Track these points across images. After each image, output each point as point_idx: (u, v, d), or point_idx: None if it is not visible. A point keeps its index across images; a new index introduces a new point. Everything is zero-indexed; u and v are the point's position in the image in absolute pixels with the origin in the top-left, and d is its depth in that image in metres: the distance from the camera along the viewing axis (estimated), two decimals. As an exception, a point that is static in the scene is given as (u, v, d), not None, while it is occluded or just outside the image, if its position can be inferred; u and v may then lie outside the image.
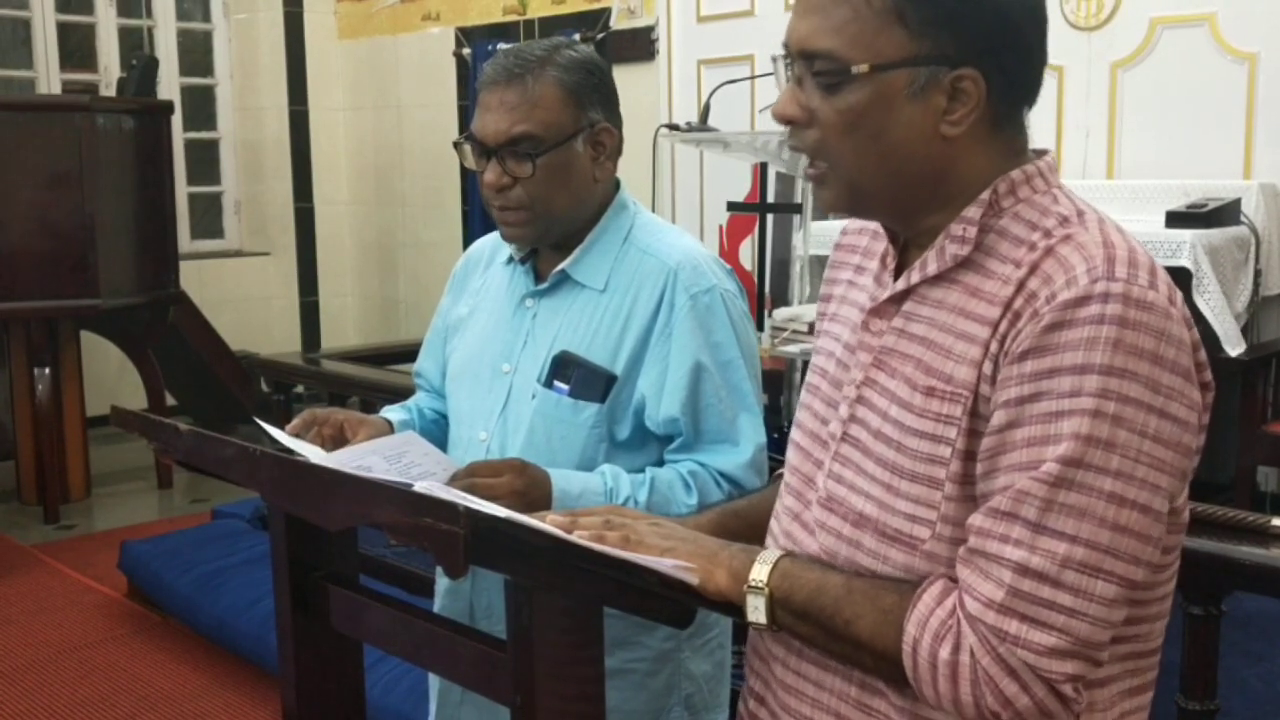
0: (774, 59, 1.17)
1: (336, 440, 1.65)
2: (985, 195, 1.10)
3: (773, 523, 1.27)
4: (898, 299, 1.15)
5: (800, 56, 1.10)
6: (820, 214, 4.11)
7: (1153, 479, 1.00)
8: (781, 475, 1.42)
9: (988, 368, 1.05)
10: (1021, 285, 1.04)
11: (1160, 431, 1.00)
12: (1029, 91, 1.11)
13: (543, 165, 1.61)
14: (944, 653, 1.02)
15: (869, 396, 1.15)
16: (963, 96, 1.07)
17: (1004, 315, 1.05)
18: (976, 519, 1.03)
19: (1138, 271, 1.01)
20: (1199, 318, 3.42)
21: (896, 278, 1.17)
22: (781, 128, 1.14)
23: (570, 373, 1.66)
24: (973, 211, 1.10)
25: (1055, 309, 1.00)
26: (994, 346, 1.05)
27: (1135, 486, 1.00)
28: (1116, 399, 0.98)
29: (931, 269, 1.12)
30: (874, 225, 1.26)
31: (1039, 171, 1.11)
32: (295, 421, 1.66)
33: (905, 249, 1.18)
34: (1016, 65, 1.09)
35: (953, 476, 1.06)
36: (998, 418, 1.03)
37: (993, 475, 1.03)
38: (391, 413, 1.86)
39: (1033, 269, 1.05)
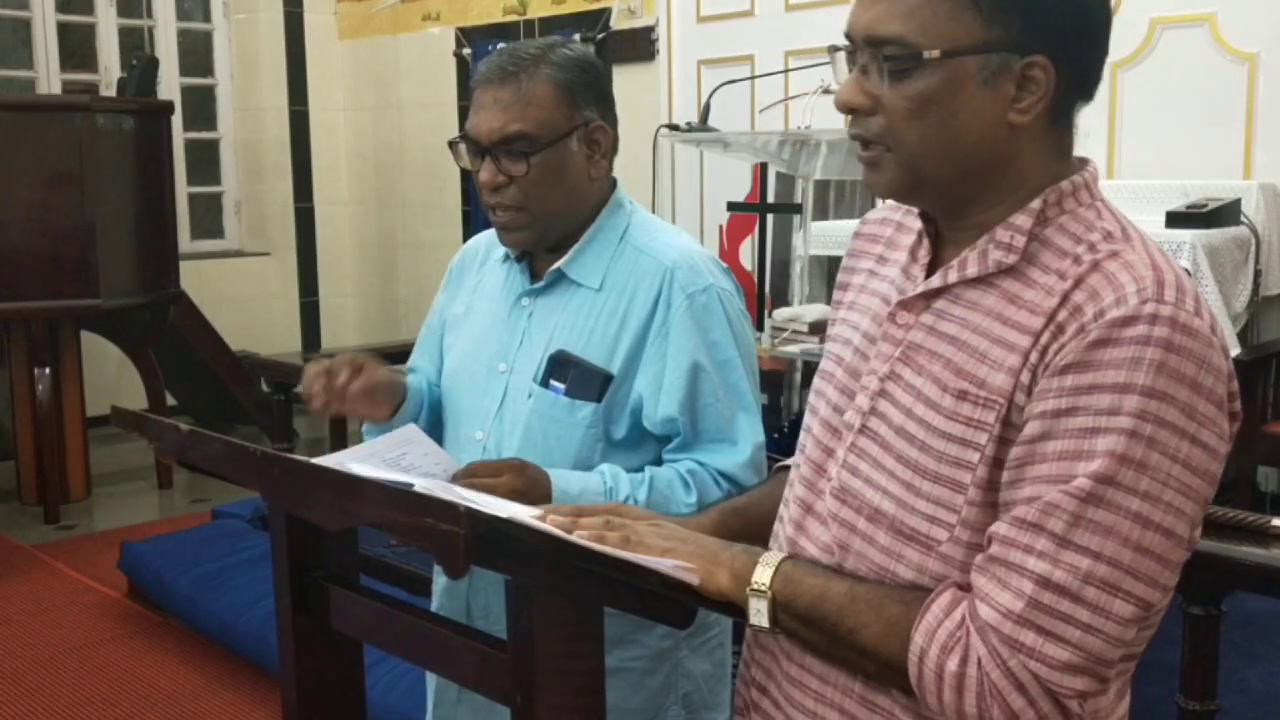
0: (832, 50, 1.16)
1: (354, 380, 1.65)
2: (1035, 204, 1.09)
3: (782, 509, 1.27)
4: (930, 295, 1.14)
5: (867, 44, 1.09)
6: (820, 214, 4.11)
7: (1179, 504, 1.00)
8: (780, 469, 1.41)
9: (1025, 377, 1.04)
10: (1066, 298, 1.04)
11: (1191, 458, 1.00)
12: (1091, 84, 1.11)
13: (537, 164, 1.61)
14: (951, 664, 1.02)
15: (892, 391, 1.14)
16: (1031, 85, 1.06)
17: (1047, 326, 1.04)
18: (1000, 528, 1.03)
19: (1185, 297, 1.02)
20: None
21: (929, 273, 1.16)
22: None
23: (567, 372, 1.66)
24: (1022, 220, 1.09)
25: (1103, 326, 1.00)
26: (1034, 357, 1.04)
27: (1161, 510, 1.00)
28: (1154, 421, 0.98)
29: (971, 271, 1.11)
30: (898, 216, 1.25)
31: (1085, 183, 1.11)
32: (308, 381, 1.65)
33: (938, 241, 1.17)
34: (1084, 55, 1.08)
35: (978, 482, 1.06)
36: (1031, 428, 1.03)
37: (1019, 485, 1.03)
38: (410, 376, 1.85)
39: (1078, 282, 1.04)
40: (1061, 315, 1.04)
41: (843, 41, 1.13)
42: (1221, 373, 1.02)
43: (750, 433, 1.66)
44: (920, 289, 1.15)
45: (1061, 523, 1.00)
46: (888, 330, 1.17)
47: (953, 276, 1.12)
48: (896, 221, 1.26)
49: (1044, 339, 1.04)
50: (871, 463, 1.14)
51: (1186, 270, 3.35)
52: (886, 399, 1.14)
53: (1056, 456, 1.01)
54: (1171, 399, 0.99)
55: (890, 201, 1.29)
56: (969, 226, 1.13)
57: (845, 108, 1.12)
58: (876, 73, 1.09)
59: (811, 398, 1.27)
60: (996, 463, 1.05)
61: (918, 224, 1.20)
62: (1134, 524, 0.99)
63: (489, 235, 1.83)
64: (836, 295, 1.32)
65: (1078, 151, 1.15)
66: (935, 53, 1.05)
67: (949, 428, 1.08)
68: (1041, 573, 1.00)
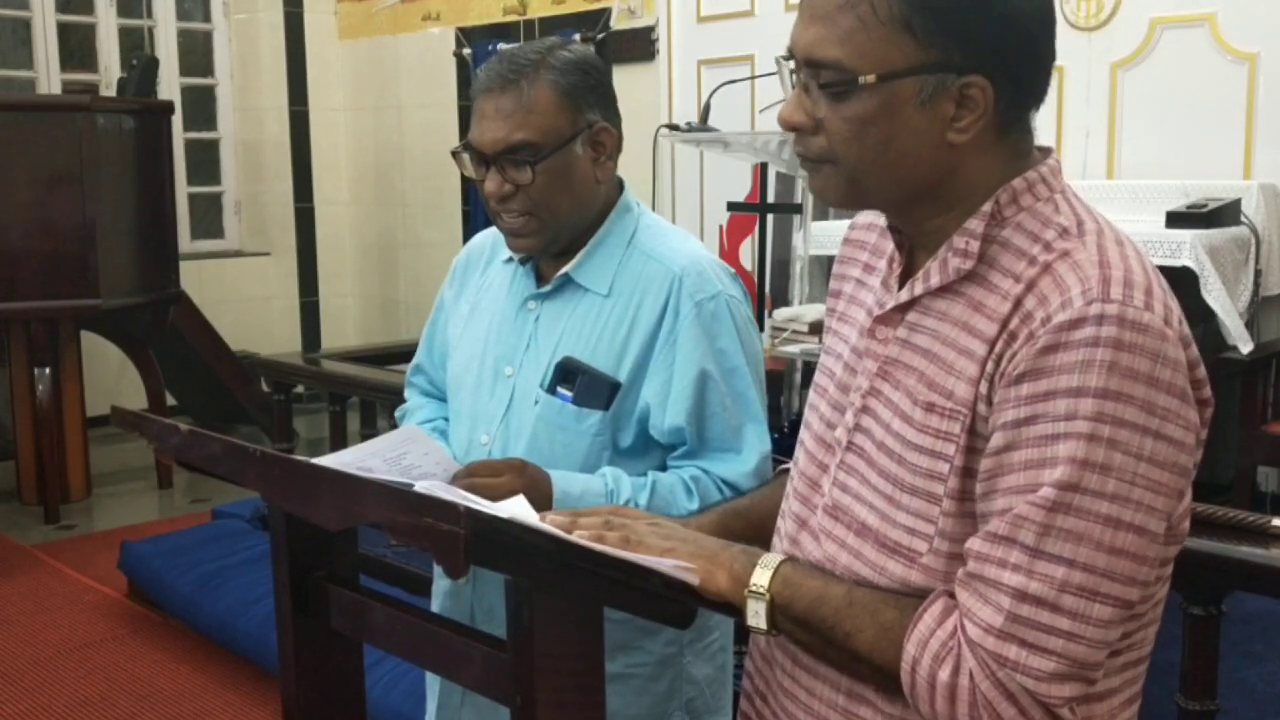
0: (778, 61, 1.16)
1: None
2: (987, 207, 1.09)
3: (780, 523, 1.27)
4: (903, 308, 1.15)
5: (806, 65, 1.09)
6: (820, 214, 4.11)
7: (1148, 501, 1.00)
8: (783, 471, 1.42)
9: (984, 387, 1.05)
10: (1019, 303, 1.04)
11: (1156, 454, 1.00)
12: (1037, 95, 1.11)
13: (542, 171, 1.60)
14: (943, 675, 1.02)
15: (873, 406, 1.15)
16: (970, 104, 1.06)
17: (1000, 334, 1.04)
18: (975, 543, 1.03)
19: (1133, 292, 1.01)
20: (1211, 315, 3.42)
21: (902, 283, 1.16)
22: (783, 129, 1.14)
23: (574, 379, 1.64)
24: (974, 224, 1.09)
25: (1051, 331, 1.00)
26: (990, 367, 1.04)
27: (1131, 509, 0.99)
28: (1111, 422, 0.98)
29: (934, 281, 1.11)
30: (883, 221, 1.26)
31: (1041, 178, 1.10)
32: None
33: (911, 251, 1.18)
34: (1026, 70, 1.08)
35: (950, 493, 1.06)
36: (996, 440, 1.03)
37: (991, 497, 1.03)
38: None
39: (1030, 286, 1.04)
40: (1014, 323, 1.04)
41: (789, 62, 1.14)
42: (1179, 364, 1.02)
43: (756, 442, 1.65)
44: (892, 303, 1.15)
45: (1031, 534, 1.00)
46: (869, 345, 1.17)
47: (919, 288, 1.13)
48: (880, 227, 1.26)
49: (998, 347, 1.04)
50: (859, 479, 1.15)
51: (1188, 267, 3.37)
52: (869, 415, 1.15)
53: (1022, 466, 1.01)
54: (1128, 398, 0.98)
55: None
56: (929, 232, 1.13)
57: (787, 125, 1.12)
58: (817, 93, 1.09)
59: (807, 411, 1.28)
60: (967, 473, 1.06)
61: None
62: (1105, 527, 0.99)
63: (493, 234, 1.81)
64: (829, 303, 1.32)
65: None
66: (871, 77, 1.05)
67: (920, 440, 1.08)
68: (1017, 585, 1.00)
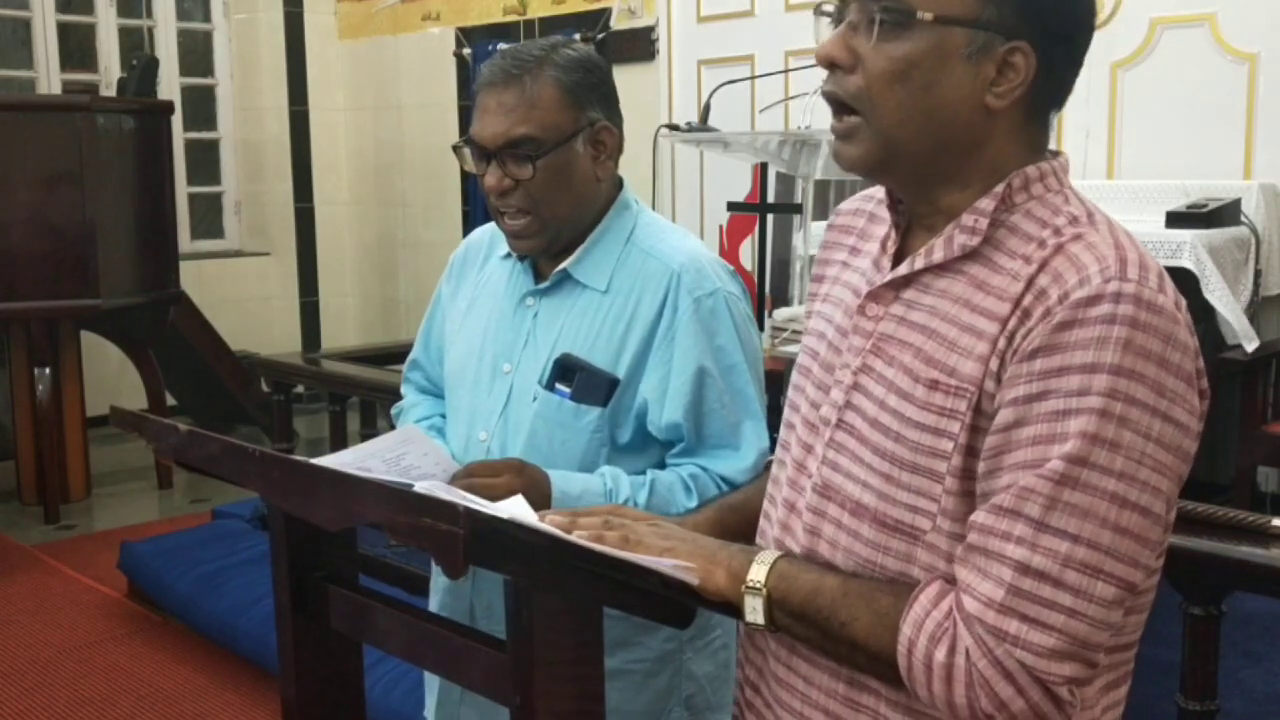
0: (818, 8, 1.16)
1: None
2: (999, 189, 1.10)
3: (769, 509, 1.27)
4: (898, 285, 1.15)
5: None
6: (820, 214, 4.11)
7: (1154, 481, 1.01)
8: (771, 462, 1.41)
9: (994, 364, 1.05)
10: (1031, 282, 1.05)
11: (1163, 435, 1.00)
12: (1064, 91, 1.12)
13: (543, 167, 1.60)
14: (939, 655, 1.02)
15: (866, 384, 1.14)
16: (1010, 71, 1.08)
17: (1013, 312, 1.05)
18: (978, 516, 1.03)
19: (1148, 274, 1.02)
20: (1210, 315, 3.42)
21: (896, 263, 1.16)
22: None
23: (573, 376, 1.64)
24: (985, 203, 1.10)
25: (1068, 307, 1.01)
26: (1002, 343, 1.05)
27: (1137, 489, 1.00)
28: (1124, 400, 0.99)
29: (937, 257, 1.12)
30: (870, 207, 1.26)
31: (1052, 170, 1.12)
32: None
33: (908, 231, 1.18)
34: (1062, 59, 1.10)
35: (954, 471, 1.06)
36: (1003, 416, 1.03)
37: (996, 474, 1.03)
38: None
39: (1043, 266, 1.05)
40: (1027, 300, 1.04)
41: (828, 6, 1.14)
42: (1188, 349, 1.03)
43: (754, 439, 1.65)
44: (887, 278, 1.15)
45: (1038, 507, 1.00)
46: (858, 323, 1.17)
47: (919, 263, 1.13)
48: (869, 212, 1.27)
49: (1011, 324, 1.05)
50: (850, 457, 1.14)
51: (1189, 268, 3.37)
52: (860, 392, 1.15)
53: (1031, 442, 1.01)
54: (1140, 376, 0.99)
55: (862, 192, 1.29)
56: (938, 211, 1.14)
57: (826, 61, 1.12)
58: (865, 30, 1.09)
59: (791, 393, 1.27)
60: (971, 451, 1.06)
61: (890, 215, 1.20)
62: (1111, 504, 0.99)
63: (491, 229, 1.81)
64: (811, 288, 1.32)
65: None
66: (929, 15, 1.06)
67: (922, 418, 1.08)
68: (1020, 559, 1.00)
